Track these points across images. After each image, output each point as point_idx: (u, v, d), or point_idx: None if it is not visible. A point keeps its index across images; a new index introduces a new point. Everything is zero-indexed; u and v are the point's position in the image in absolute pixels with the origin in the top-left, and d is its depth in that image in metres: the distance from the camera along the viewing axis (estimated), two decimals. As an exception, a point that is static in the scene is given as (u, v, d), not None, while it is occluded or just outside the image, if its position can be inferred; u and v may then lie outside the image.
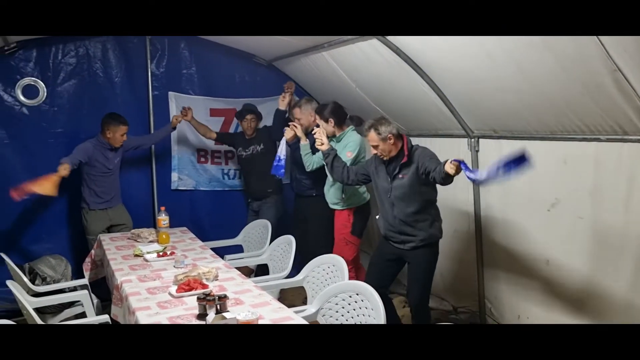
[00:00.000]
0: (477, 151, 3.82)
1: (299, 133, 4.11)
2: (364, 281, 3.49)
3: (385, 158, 3.31)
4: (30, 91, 4.32)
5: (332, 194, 4.14)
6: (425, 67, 3.49)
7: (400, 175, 3.27)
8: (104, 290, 3.80)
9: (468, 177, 2.80)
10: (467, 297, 4.15)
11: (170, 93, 4.83)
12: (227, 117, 4.98)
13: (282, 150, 4.07)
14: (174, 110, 4.82)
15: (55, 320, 3.46)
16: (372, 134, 3.25)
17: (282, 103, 4.59)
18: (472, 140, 3.81)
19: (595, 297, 3.08)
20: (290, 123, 4.19)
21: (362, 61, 3.85)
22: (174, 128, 4.72)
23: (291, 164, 4.62)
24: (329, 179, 4.12)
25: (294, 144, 4.26)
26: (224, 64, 4.99)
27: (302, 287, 3.42)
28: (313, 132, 3.84)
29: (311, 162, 4.12)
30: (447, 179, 2.95)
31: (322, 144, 3.73)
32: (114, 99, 4.61)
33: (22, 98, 4.29)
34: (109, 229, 4.39)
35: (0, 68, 4.23)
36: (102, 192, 4.33)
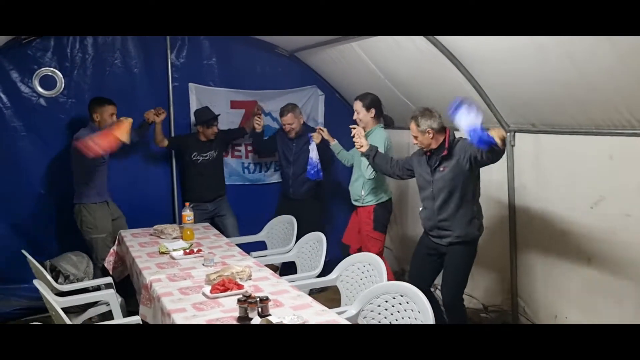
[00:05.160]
0: (513, 146, 3.70)
1: (326, 136, 4.36)
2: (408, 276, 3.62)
3: (424, 149, 3.30)
4: (48, 82, 4.18)
5: (353, 190, 4.22)
6: (464, 58, 3.36)
7: (441, 168, 3.22)
8: (125, 287, 3.69)
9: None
10: (498, 295, 4.04)
11: (190, 84, 4.68)
12: (248, 109, 4.84)
13: (315, 155, 4.34)
14: (194, 102, 4.68)
15: (79, 320, 3.35)
16: (413, 125, 3.24)
17: (260, 126, 4.67)
18: (508, 134, 3.69)
19: (643, 298, 2.98)
20: (317, 128, 4.46)
21: (394, 52, 3.72)
22: (151, 124, 4.38)
23: (291, 167, 4.67)
24: (354, 175, 4.20)
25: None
26: (245, 54, 4.84)
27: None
28: (352, 135, 3.80)
29: (347, 158, 4.38)
30: (496, 152, 2.87)
31: (362, 145, 3.70)
32: (133, 90, 4.48)
33: (39, 89, 4.15)
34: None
35: (17, 58, 4.08)
36: (101, 184, 4.14)
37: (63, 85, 4.23)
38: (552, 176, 3.47)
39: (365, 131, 3.98)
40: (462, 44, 3.23)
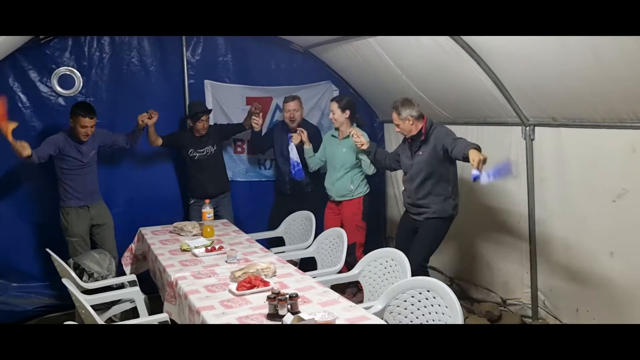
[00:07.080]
0: (532, 140, 3.69)
1: (304, 138, 4.40)
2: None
3: (405, 135, 3.68)
4: (66, 81, 4.20)
5: (339, 187, 4.35)
6: (485, 53, 3.35)
7: (420, 152, 3.60)
8: (146, 284, 3.72)
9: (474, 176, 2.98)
10: (517, 289, 4.04)
11: (206, 81, 4.70)
12: (264, 105, 4.83)
13: (295, 155, 4.39)
14: (209, 99, 4.70)
15: (104, 317, 3.37)
16: (394, 114, 3.62)
17: (258, 125, 4.59)
18: (527, 128, 3.68)
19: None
20: (298, 129, 4.44)
21: (414, 47, 3.71)
22: (142, 129, 4.24)
23: (282, 164, 4.70)
24: (331, 175, 4.40)
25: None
26: (259, 51, 4.85)
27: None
28: (351, 135, 4.06)
29: (315, 163, 4.50)
30: (464, 160, 3.21)
31: (363, 144, 4.00)
32: (150, 88, 4.50)
33: (58, 88, 4.17)
34: (91, 229, 4.15)
35: (36, 58, 4.11)
36: (79, 187, 4.02)
37: (81, 84, 4.24)
38: (573, 170, 3.46)
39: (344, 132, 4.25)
40: (483, 40, 3.22)
